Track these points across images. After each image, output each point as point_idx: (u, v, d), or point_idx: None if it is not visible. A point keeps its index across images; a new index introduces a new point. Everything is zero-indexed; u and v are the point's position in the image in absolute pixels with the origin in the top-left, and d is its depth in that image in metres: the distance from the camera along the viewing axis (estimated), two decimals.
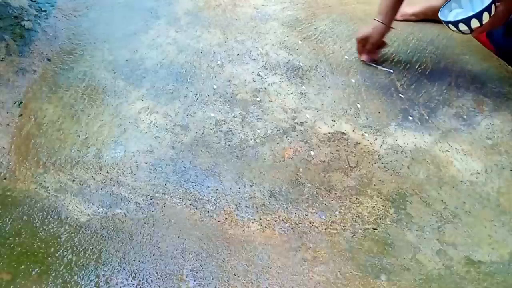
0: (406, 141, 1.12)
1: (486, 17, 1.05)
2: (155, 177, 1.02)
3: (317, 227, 0.94)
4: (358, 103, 1.22)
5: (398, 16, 1.45)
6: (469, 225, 0.96)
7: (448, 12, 1.18)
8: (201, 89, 1.24)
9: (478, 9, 1.06)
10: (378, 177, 1.04)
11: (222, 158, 1.07)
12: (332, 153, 1.09)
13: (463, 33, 1.11)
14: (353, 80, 1.28)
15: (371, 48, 1.31)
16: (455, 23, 1.09)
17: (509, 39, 1.26)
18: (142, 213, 0.95)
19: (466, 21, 1.06)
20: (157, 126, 1.13)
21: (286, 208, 0.97)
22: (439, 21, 1.48)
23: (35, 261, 0.86)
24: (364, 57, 1.32)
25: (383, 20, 1.25)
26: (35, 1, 1.49)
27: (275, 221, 0.95)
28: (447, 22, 1.12)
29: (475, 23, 1.06)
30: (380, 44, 1.30)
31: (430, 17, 1.46)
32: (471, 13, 1.05)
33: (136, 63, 1.31)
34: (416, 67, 1.32)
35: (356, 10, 1.53)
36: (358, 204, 0.99)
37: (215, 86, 1.25)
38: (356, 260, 0.89)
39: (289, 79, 1.28)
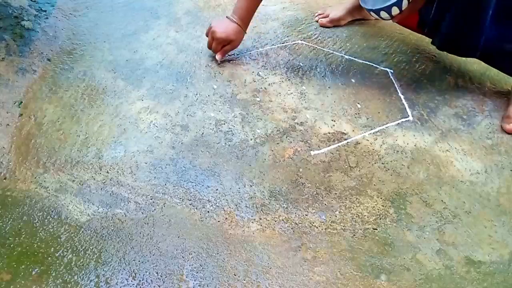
0: (406, 141, 1.12)
1: (405, 4, 1.04)
2: (155, 177, 1.02)
3: (317, 227, 0.94)
4: (358, 103, 1.22)
5: (327, 23, 1.45)
6: (469, 225, 0.96)
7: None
8: (201, 89, 1.24)
9: None
10: (378, 177, 1.04)
11: (222, 158, 1.07)
12: (332, 153, 1.09)
13: (383, 19, 1.10)
14: (353, 80, 1.28)
15: (227, 49, 1.28)
16: (377, 11, 1.08)
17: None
18: (142, 213, 0.95)
19: (387, 9, 1.05)
20: (157, 126, 1.13)
21: (286, 208, 0.97)
22: (365, 19, 1.48)
23: (35, 261, 0.86)
24: (219, 57, 1.29)
25: (242, 25, 1.25)
26: (35, 1, 1.49)
27: (275, 221, 0.95)
28: (368, 10, 1.10)
29: (395, 11, 1.05)
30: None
31: (356, 16, 1.47)
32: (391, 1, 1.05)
33: (136, 63, 1.31)
34: (416, 67, 1.32)
35: None
36: (358, 204, 0.99)
37: (215, 86, 1.25)
38: (356, 260, 0.89)
39: (289, 79, 1.28)
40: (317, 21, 1.48)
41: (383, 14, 1.08)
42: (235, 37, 1.26)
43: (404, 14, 1.06)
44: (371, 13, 1.10)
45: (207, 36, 1.29)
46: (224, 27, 1.24)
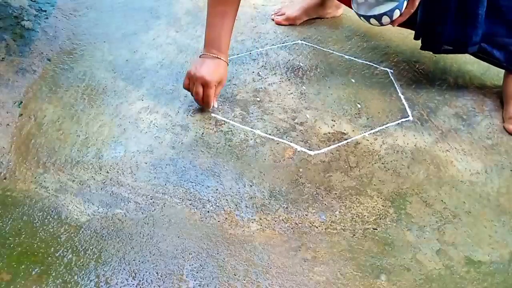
0: (406, 141, 1.12)
1: (405, 5, 1.01)
2: (155, 177, 1.02)
3: (317, 227, 0.94)
4: (358, 103, 1.22)
5: (283, 21, 1.45)
6: (469, 225, 0.96)
7: (356, 5, 1.09)
8: None
9: None
10: (378, 177, 1.04)
11: (222, 158, 1.07)
12: (332, 153, 1.09)
13: (383, 25, 1.04)
14: (353, 80, 1.28)
15: (219, 91, 1.14)
16: (378, 17, 1.02)
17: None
18: (142, 213, 0.95)
19: (390, 13, 1.00)
20: (157, 126, 1.14)
21: (286, 208, 0.97)
22: (321, 18, 1.47)
23: (35, 261, 0.86)
24: (216, 103, 1.16)
25: (225, 57, 1.11)
26: (35, 1, 1.49)
27: (275, 221, 0.95)
28: (367, 17, 1.04)
29: (397, 14, 1.01)
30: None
31: (312, 16, 1.46)
32: (391, 5, 1.01)
33: (136, 63, 1.31)
34: (416, 67, 1.33)
35: None
36: (358, 204, 0.99)
37: None
38: (356, 260, 0.89)
39: (289, 79, 1.28)
40: (273, 20, 1.47)
41: (385, 19, 1.02)
42: (225, 75, 1.13)
43: (404, 16, 1.04)
44: (371, 20, 1.03)
45: (187, 88, 1.12)
46: (212, 69, 1.08)
